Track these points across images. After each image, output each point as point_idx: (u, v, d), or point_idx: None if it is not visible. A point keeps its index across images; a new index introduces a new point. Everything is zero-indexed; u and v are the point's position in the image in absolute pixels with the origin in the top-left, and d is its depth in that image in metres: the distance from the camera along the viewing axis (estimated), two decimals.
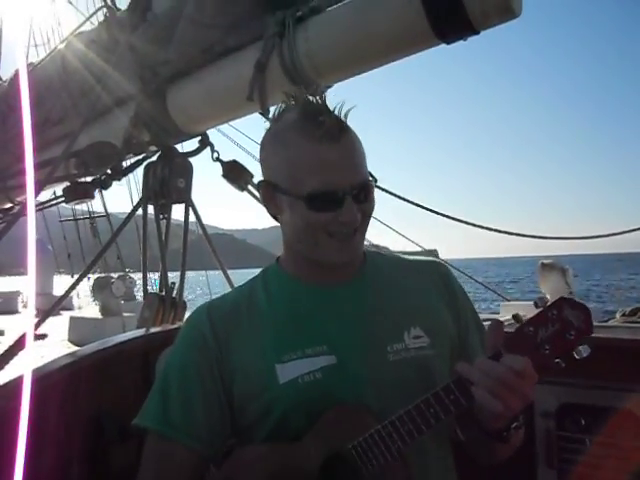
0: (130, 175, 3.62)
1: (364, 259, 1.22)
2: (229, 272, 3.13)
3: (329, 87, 2.11)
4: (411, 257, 1.32)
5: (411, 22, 1.73)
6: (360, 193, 1.06)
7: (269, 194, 1.13)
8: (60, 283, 11.44)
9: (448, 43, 1.78)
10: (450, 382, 0.97)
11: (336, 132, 1.03)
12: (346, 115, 1.07)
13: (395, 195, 2.98)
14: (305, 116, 1.06)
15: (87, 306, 10.68)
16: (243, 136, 3.87)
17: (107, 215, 11.00)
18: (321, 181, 1.03)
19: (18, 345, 2.12)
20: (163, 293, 2.87)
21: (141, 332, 2.07)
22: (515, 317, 1.02)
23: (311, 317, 1.13)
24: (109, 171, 2.97)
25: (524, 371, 0.92)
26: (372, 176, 1.12)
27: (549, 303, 0.99)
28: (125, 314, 7.69)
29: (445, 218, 3.28)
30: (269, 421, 1.07)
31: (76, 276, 3.88)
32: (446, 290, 1.21)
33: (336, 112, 1.07)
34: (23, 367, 0.82)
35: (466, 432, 1.12)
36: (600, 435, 1.74)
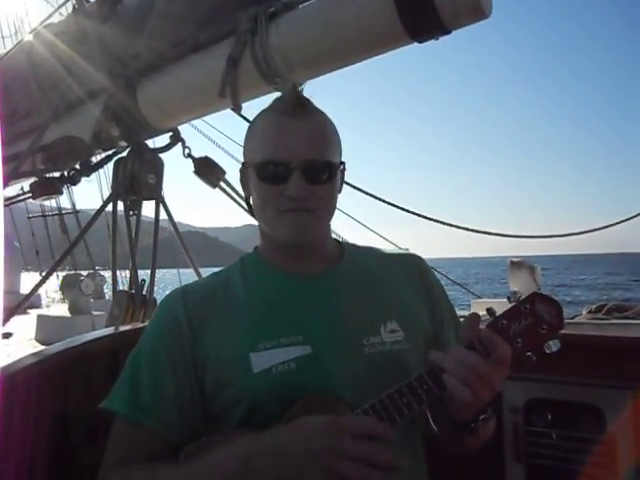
0: (100, 170, 3.57)
1: (342, 250, 1.22)
2: (201, 270, 3.09)
3: (301, 85, 2.10)
4: (388, 250, 1.32)
5: (383, 21, 1.74)
6: (315, 173, 1.07)
7: (244, 177, 1.17)
8: (28, 280, 11.17)
9: (420, 42, 1.79)
10: (423, 372, 0.98)
11: (297, 106, 1.07)
12: (311, 95, 1.11)
13: (364, 192, 2.98)
14: (278, 99, 1.12)
15: (56, 304, 10.45)
16: (216, 131, 3.85)
17: (75, 212, 10.78)
18: (271, 150, 1.06)
19: None
20: (133, 291, 2.83)
21: (110, 330, 2.03)
22: (489, 310, 1.03)
23: (288, 306, 1.12)
24: (78, 166, 2.92)
25: (500, 359, 0.94)
26: (342, 164, 1.14)
27: (522, 298, 1.01)
28: (95, 312, 7.51)
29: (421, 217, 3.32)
30: (240, 409, 1.06)
31: (45, 274, 3.80)
32: (422, 284, 1.22)
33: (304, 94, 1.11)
34: None
35: (437, 424, 1.13)
36: (565, 429, 1.78)
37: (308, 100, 1.11)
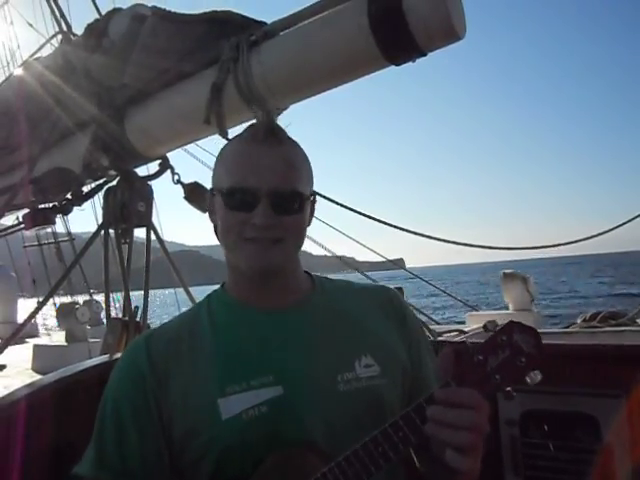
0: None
1: (313, 284, 1.19)
2: (196, 289, 3.10)
3: (285, 109, 2.14)
4: (362, 283, 1.31)
5: (361, 46, 1.78)
6: (283, 202, 1.03)
7: (212, 204, 1.14)
8: (24, 307, 11.10)
9: (397, 65, 1.83)
10: (398, 418, 0.93)
11: (266, 134, 1.04)
12: (288, 125, 1.09)
13: (341, 205, 3.00)
14: (251, 126, 1.11)
15: (53, 332, 10.39)
16: (208, 154, 3.86)
17: (71, 240, 10.75)
18: (239, 177, 1.03)
19: None
20: (126, 318, 2.83)
21: (104, 358, 2.03)
22: (485, 327, 1.00)
23: (257, 345, 1.07)
24: (69, 196, 2.94)
25: (477, 406, 0.90)
26: (314, 194, 1.11)
27: (499, 327, 0.97)
28: (91, 340, 7.44)
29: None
30: (211, 460, 1.02)
31: (40, 301, 3.80)
32: (396, 316, 1.19)
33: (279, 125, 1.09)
34: None
35: (422, 463, 1.10)
36: (562, 440, 1.78)
37: (280, 128, 1.08)
